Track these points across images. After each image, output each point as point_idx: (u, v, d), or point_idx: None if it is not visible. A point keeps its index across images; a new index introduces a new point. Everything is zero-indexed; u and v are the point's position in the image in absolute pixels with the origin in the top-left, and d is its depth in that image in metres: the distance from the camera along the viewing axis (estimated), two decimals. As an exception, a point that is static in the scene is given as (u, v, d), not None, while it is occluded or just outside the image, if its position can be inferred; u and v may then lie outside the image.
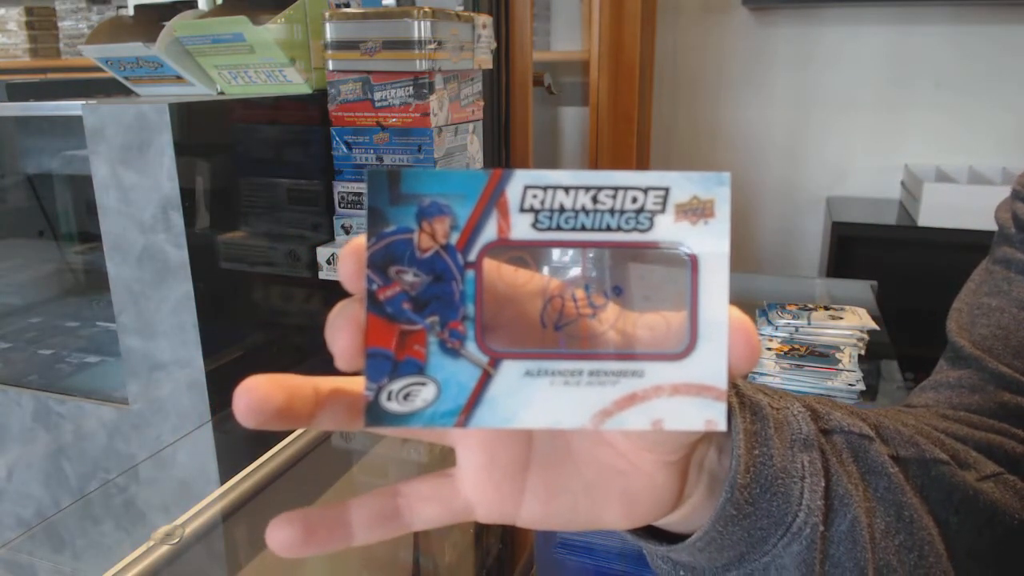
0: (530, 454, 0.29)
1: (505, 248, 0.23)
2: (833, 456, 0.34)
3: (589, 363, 0.23)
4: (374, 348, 0.24)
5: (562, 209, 0.23)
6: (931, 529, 0.35)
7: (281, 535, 0.28)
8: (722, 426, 0.23)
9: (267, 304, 0.99)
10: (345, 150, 1.05)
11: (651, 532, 0.35)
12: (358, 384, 0.25)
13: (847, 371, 0.86)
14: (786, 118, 2.41)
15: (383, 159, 1.03)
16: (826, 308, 1.01)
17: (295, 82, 1.01)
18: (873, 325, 0.96)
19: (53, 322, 1.28)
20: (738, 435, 0.31)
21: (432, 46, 0.97)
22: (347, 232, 1.07)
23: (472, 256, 0.23)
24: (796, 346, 0.93)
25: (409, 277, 0.23)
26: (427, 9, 0.96)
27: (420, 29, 0.96)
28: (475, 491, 0.29)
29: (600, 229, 0.23)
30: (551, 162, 2.60)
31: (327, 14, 0.99)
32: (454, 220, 0.23)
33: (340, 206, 1.07)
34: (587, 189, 0.23)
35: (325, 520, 0.29)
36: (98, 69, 1.07)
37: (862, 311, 1.01)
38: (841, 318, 0.98)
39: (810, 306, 1.02)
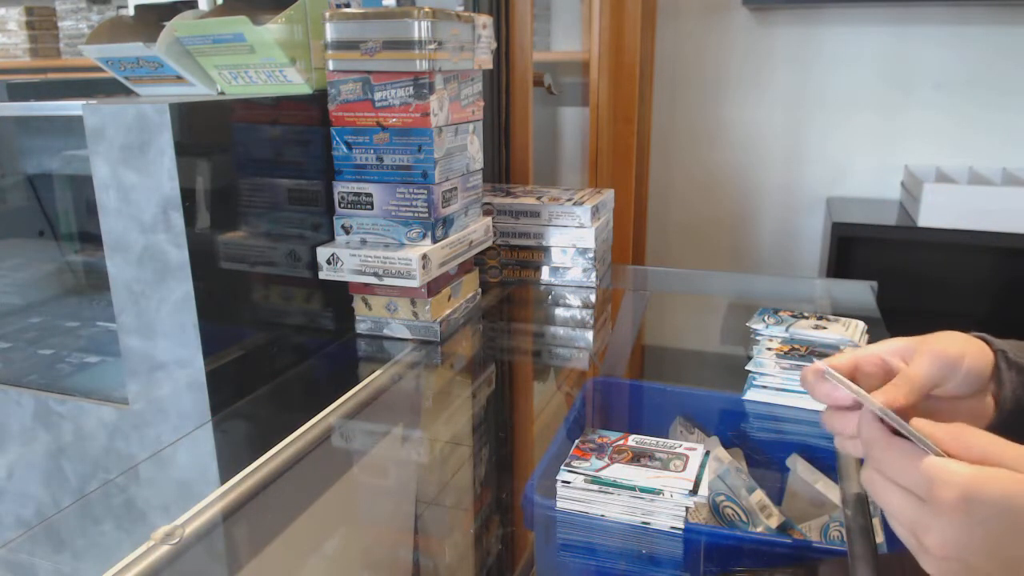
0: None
1: None
2: None
3: None
4: None
5: None
6: None
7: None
8: None
9: (267, 304, 1.00)
10: (345, 150, 1.05)
11: None
12: None
13: (847, 371, 0.86)
14: (786, 118, 2.41)
15: (383, 159, 1.03)
16: (819, 317, 1.00)
17: (295, 82, 1.01)
18: (854, 340, 0.94)
19: (53, 322, 1.28)
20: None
21: (432, 46, 0.97)
22: (347, 232, 1.07)
23: None
24: (796, 346, 0.93)
25: None
26: (427, 9, 0.96)
27: (420, 29, 0.96)
28: None
29: None
30: (551, 162, 2.60)
31: (327, 14, 0.99)
32: None
33: (340, 206, 1.07)
34: None
35: None
36: (98, 69, 1.07)
37: (855, 323, 0.99)
38: (825, 328, 0.97)
39: (805, 314, 1.01)
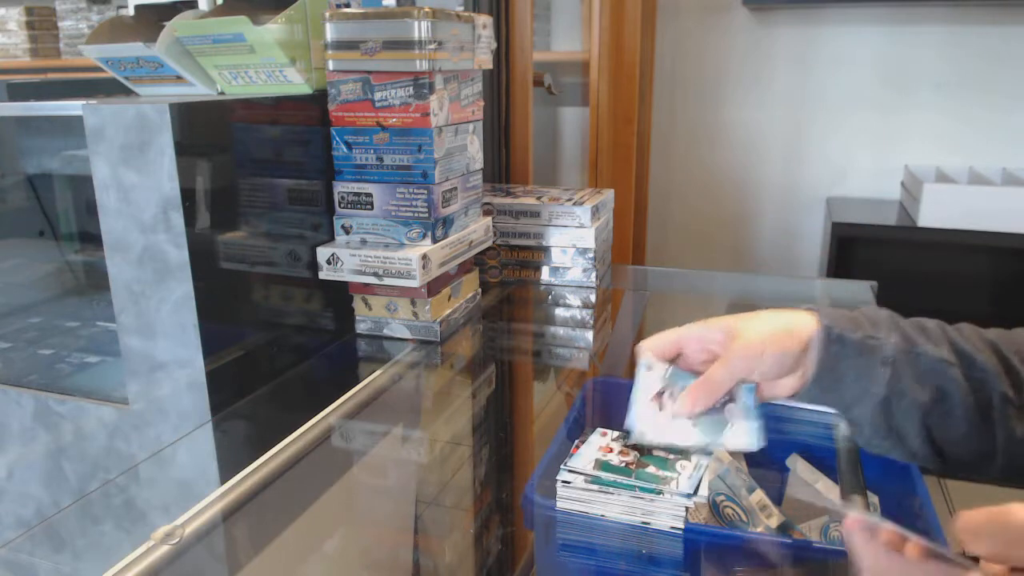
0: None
1: None
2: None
3: None
4: None
5: None
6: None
7: None
8: None
9: (267, 304, 1.00)
10: (345, 150, 1.05)
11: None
12: None
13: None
14: (786, 118, 2.41)
15: (383, 159, 1.03)
16: None
17: (295, 82, 1.01)
18: None
19: (53, 322, 1.28)
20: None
21: (432, 46, 0.97)
22: (347, 232, 1.07)
23: None
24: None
25: None
26: (427, 9, 0.96)
27: (420, 29, 0.96)
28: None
29: None
30: (551, 162, 2.60)
31: (327, 14, 0.99)
32: None
33: (340, 206, 1.07)
34: None
35: None
36: (98, 69, 1.07)
37: None
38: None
39: None
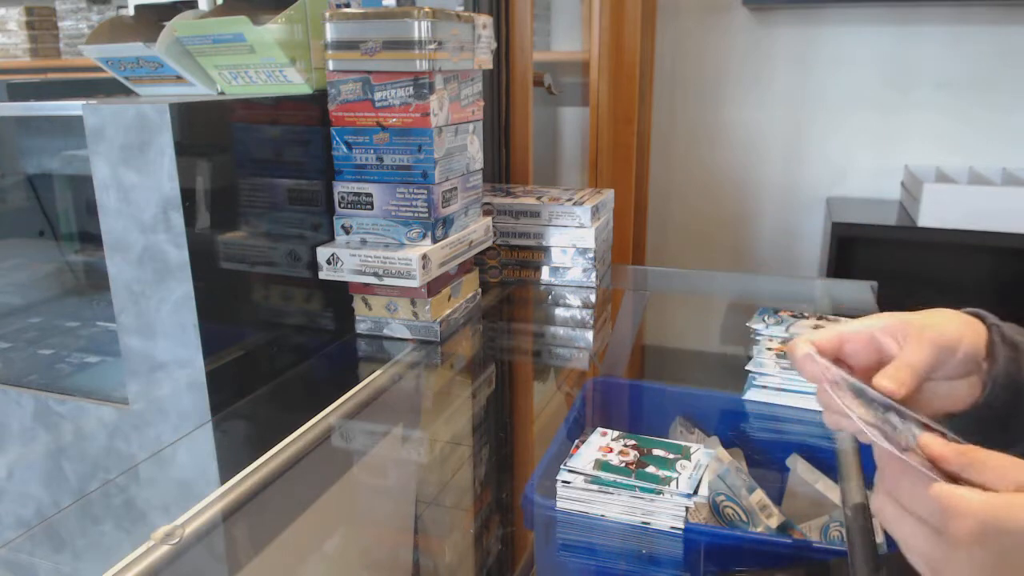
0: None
1: None
2: None
3: None
4: None
5: None
6: None
7: None
8: None
9: (267, 304, 1.00)
10: (345, 150, 1.05)
11: None
12: None
13: (847, 371, 0.86)
14: (786, 118, 2.41)
15: (383, 159, 1.03)
16: (819, 317, 1.00)
17: (295, 82, 1.01)
18: None
19: (53, 322, 1.28)
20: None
21: (432, 46, 0.97)
22: (347, 232, 1.07)
23: None
24: (796, 346, 0.93)
25: None
26: (427, 9, 0.96)
27: (420, 29, 0.96)
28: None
29: None
30: (551, 162, 2.60)
31: (327, 14, 0.99)
32: None
33: (340, 206, 1.07)
34: None
35: None
36: (98, 69, 1.07)
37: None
38: (825, 328, 0.96)
39: (805, 314, 1.01)
